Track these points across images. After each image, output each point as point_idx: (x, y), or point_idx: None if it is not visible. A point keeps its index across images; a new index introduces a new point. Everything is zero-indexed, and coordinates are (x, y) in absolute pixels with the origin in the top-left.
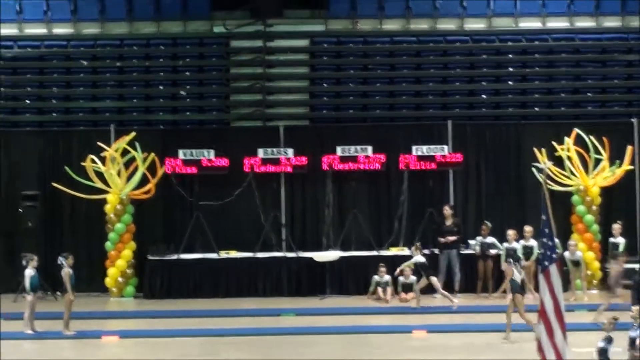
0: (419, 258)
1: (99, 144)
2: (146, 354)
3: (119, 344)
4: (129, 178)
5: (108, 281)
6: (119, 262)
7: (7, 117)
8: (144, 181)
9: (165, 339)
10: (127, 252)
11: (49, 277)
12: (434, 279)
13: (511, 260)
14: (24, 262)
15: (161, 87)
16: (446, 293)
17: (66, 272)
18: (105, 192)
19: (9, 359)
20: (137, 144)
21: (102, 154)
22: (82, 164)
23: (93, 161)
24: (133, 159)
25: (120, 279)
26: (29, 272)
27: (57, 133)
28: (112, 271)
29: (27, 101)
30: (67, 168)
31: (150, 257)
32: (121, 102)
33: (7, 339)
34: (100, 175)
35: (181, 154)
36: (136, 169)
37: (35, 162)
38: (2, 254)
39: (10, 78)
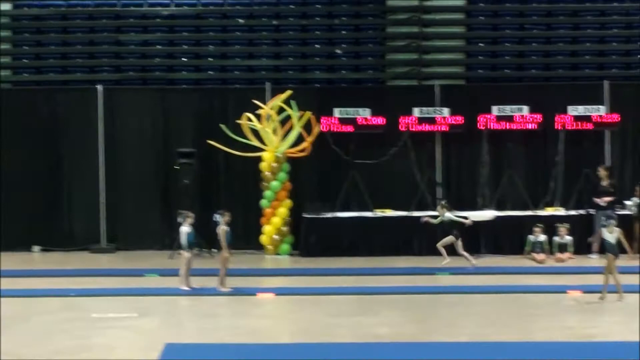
0: (449, 215)
1: (255, 101)
2: (301, 311)
3: (275, 301)
4: (284, 136)
5: (263, 239)
6: (275, 219)
7: (163, 74)
8: (299, 139)
9: (320, 297)
10: (283, 210)
11: (204, 234)
12: (451, 239)
13: None
14: (180, 220)
15: (317, 46)
16: (465, 254)
17: (222, 229)
18: (261, 149)
19: (166, 314)
20: (292, 102)
21: (257, 112)
22: (238, 121)
23: (249, 119)
24: (289, 117)
25: (275, 237)
26: (185, 229)
27: (213, 91)
28: (267, 229)
29: (184, 59)
30: (222, 126)
31: (305, 215)
32: (277, 60)
33: (164, 295)
34: (255, 132)
35: (337, 112)
36: (292, 127)
37: (191, 120)
38: (158, 211)
39: (167, 36)
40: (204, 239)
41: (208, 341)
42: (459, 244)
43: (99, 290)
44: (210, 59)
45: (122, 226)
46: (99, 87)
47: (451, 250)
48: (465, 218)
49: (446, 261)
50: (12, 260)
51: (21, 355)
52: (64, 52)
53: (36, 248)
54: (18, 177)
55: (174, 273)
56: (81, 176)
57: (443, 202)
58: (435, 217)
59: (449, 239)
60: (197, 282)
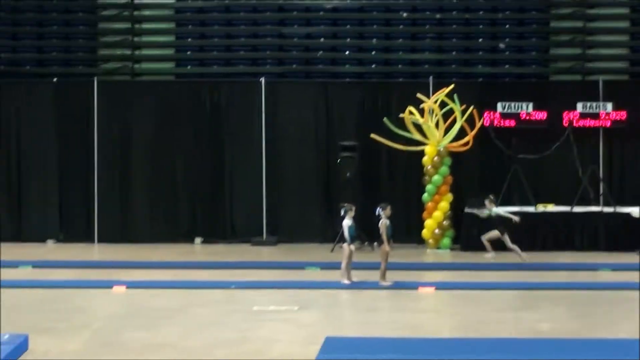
0: (497, 210)
1: (418, 95)
2: (462, 306)
3: (435, 295)
4: (447, 130)
5: (425, 232)
6: (436, 213)
7: (327, 67)
8: (461, 133)
9: (481, 292)
10: (444, 204)
11: (365, 227)
12: (497, 233)
13: None
14: (342, 212)
15: (480, 40)
16: (515, 247)
17: (383, 223)
18: (423, 143)
19: (326, 307)
20: (455, 96)
21: (420, 106)
22: (401, 115)
23: (411, 113)
24: (451, 111)
25: (436, 231)
26: (347, 223)
27: (376, 84)
28: (429, 222)
29: (347, 52)
30: (385, 119)
31: (467, 210)
32: (440, 54)
33: (324, 288)
34: (418, 126)
35: (499, 106)
36: (454, 121)
37: (353, 113)
38: (320, 204)
39: (330, 29)
40: (365, 233)
41: (368, 335)
42: (507, 239)
43: (259, 283)
44: (373, 52)
45: (283, 219)
46: (262, 80)
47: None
48: (515, 214)
49: (490, 254)
50: (174, 251)
51: (181, 347)
52: (227, 45)
53: (198, 240)
54: (181, 170)
55: (334, 266)
56: (243, 169)
57: (491, 197)
58: (482, 211)
59: (495, 233)
60: (358, 275)
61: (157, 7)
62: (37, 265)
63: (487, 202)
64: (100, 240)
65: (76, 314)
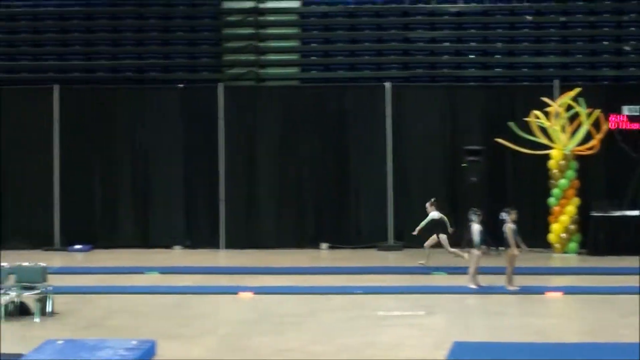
0: (434, 215)
1: (543, 99)
2: (590, 310)
3: (563, 300)
4: (572, 133)
5: (551, 237)
6: (562, 217)
7: (451, 71)
8: (588, 137)
9: (609, 296)
10: (571, 208)
11: (491, 232)
12: (442, 237)
13: None
14: (470, 217)
15: (605, 43)
16: (455, 250)
17: (509, 227)
18: (549, 147)
19: (453, 312)
20: (581, 100)
21: (545, 110)
22: (526, 119)
23: (537, 117)
24: (577, 114)
25: (563, 235)
26: (477, 227)
27: (501, 88)
28: (555, 227)
29: (472, 56)
30: (511, 123)
31: (593, 213)
32: (565, 57)
33: (451, 293)
34: (543, 130)
35: (626, 110)
36: (580, 124)
37: (478, 117)
38: (446, 209)
39: (454, 33)
40: (491, 237)
41: (496, 340)
42: (431, 241)
43: (385, 288)
44: (497, 56)
45: (409, 223)
46: (387, 85)
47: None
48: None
49: (466, 256)
50: (300, 257)
51: (308, 352)
52: (352, 50)
53: (324, 245)
54: (307, 175)
55: (460, 271)
56: (368, 173)
57: (432, 200)
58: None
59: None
60: (485, 280)
61: (282, 13)
62: (164, 271)
63: (427, 205)
64: (226, 247)
65: (203, 319)
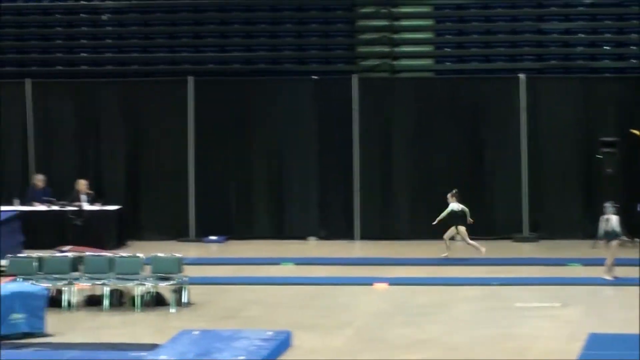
0: (454, 206)
1: None
2: None
3: None
4: None
5: None
6: None
7: (586, 63)
8: None
9: None
10: None
11: (628, 224)
12: (461, 229)
13: None
14: (607, 209)
15: None
16: (474, 243)
17: None
18: None
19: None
20: None
21: None
22: None
23: None
24: None
25: None
26: (614, 219)
27: (636, 79)
28: None
29: (607, 47)
30: None
31: None
32: None
33: (587, 285)
34: None
35: None
36: None
37: (614, 108)
38: (581, 200)
39: (589, 24)
40: (627, 229)
41: (632, 332)
42: (450, 232)
43: (521, 279)
44: (633, 47)
45: (544, 215)
46: (522, 76)
47: None
48: None
49: (483, 250)
50: (435, 248)
51: (445, 344)
52: (485, 41)
53: (458, 237)
54: (442, 166)
55: (596, 262)
56: (503, 165)
57: (454, 191)
58: None
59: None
60: (621, 272)
61: (416, 4)
62: (299, 262)
63: (448, 196)
64: (361, 237)
65: (339, 310)
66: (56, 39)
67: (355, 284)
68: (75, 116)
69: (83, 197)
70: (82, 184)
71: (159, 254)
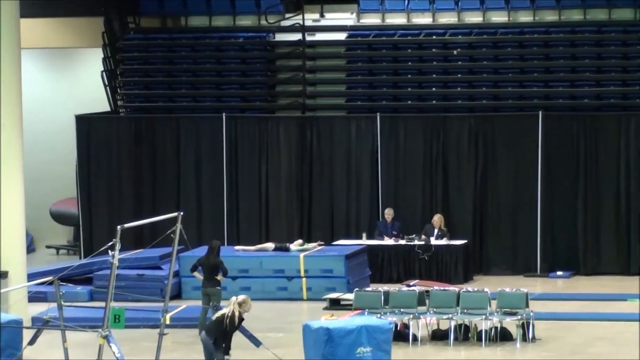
0: None
1: None
2: None
3: None
4: None
5: None
6: None
7: None
8: None
9: None
10: None
11: None
12: None
13: None
14: None
15: None
16: None
17: None
18: None
19: None
20: None
21: None
22: None
23: None
24: None
25: None
26: None
27: None
28: None
29: None
30: None
31: None
32: None
33: None
34: None
35: None
36: None
37: None
38: None
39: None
40: None
41: None
42: None
43: None
44: None
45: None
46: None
47: None
48: None
49: None
50: None
51: None
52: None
53: None
54: None
55: None
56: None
57: None
58: None
59: None
60: None
61: None
62: None
63: None
64: None
65: None
66: (407, 73)
67: None
68: (424, 150)
69: (435, 231)
70: (437, 219)
71: (505, 289)
